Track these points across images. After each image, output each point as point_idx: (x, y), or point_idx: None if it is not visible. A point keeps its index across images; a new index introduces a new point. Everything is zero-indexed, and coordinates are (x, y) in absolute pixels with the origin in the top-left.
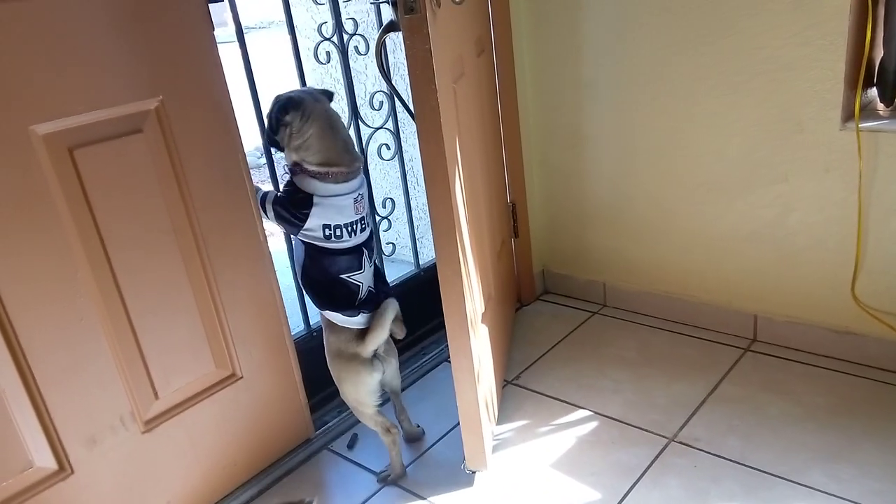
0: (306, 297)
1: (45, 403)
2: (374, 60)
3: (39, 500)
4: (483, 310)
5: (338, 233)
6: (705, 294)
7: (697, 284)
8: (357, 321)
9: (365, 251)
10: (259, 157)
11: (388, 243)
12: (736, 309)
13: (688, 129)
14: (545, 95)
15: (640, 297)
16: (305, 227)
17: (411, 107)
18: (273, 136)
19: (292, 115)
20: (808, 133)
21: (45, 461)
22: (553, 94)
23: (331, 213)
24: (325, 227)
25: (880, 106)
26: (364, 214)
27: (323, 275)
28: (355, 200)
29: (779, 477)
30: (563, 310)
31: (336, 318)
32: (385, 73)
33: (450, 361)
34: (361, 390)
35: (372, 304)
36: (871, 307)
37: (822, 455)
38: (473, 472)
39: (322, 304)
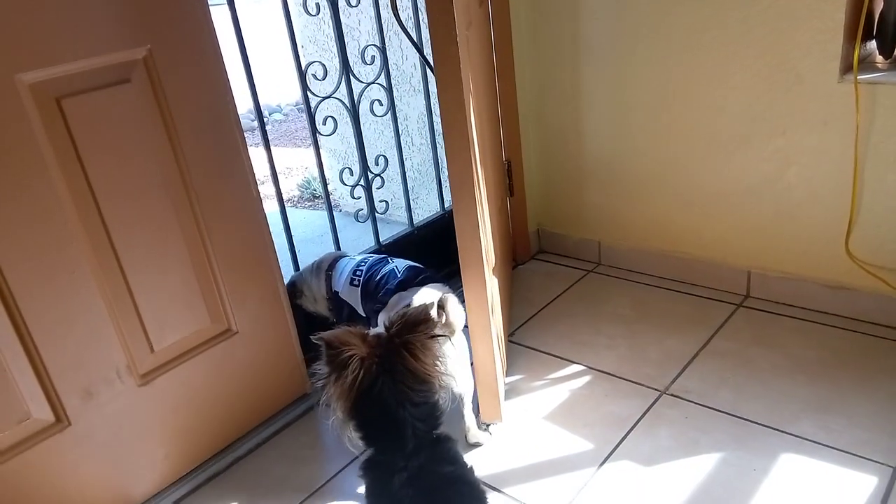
0: (298, 256)
1: (40, 355)
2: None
3: (38, 450)
4: (494, 264)
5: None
6: (700, 251)
7: (692, 241)
8: None
9: None
10: (252, 120)
11: (381, 201)
12: (730, 265)
13: (687, 82)
14: (541, 50)
15: (634, 255)
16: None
17: (426, 55)
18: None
19: (298, 281)
20: (807, 84)
21: (42, 413)
22: (549, 49)
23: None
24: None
25: (879, 58)
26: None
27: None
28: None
29: (769, 427)
30: (558, 268)
31: None
32: (399, 18)
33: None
34: None
35: None
36: (865, 262)
37: (813, 406)
38: (488, 426)
39: None
